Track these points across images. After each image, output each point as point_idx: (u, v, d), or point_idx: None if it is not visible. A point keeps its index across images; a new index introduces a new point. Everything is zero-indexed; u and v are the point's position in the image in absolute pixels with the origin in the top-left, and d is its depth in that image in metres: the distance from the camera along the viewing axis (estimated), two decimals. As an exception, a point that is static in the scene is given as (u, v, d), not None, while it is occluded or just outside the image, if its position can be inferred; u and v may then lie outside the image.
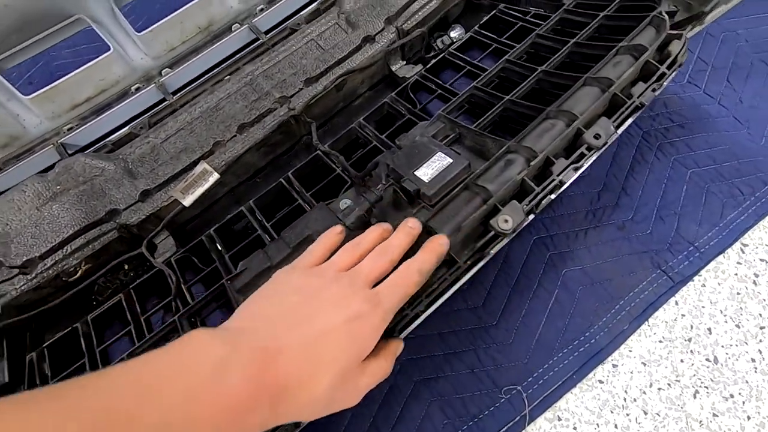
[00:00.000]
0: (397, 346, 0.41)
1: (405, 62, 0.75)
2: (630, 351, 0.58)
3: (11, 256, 0.57)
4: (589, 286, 0.60)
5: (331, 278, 0.38)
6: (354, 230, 0.50)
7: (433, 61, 0.72)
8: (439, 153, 0.54)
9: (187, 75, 0.79)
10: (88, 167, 0.62)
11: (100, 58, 0.71)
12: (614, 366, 0.57)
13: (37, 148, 0.72)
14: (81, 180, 0.62)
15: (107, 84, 0.75)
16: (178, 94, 0.75)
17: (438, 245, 0.42)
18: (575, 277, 0.61)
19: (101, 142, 0.72)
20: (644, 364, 0.57)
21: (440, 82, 0.69)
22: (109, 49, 0.72)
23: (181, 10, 0.75)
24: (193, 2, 0.75)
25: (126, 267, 0.65)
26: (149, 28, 0.73)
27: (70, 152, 0.72)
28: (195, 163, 0.63)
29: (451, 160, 0.53)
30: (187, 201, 0.59)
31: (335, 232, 0.45)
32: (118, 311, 0.58)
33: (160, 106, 0.74)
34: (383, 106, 0.70)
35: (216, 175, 0.60)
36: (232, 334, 0.33)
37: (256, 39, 0.82)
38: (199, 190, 0.60)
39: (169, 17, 0.74)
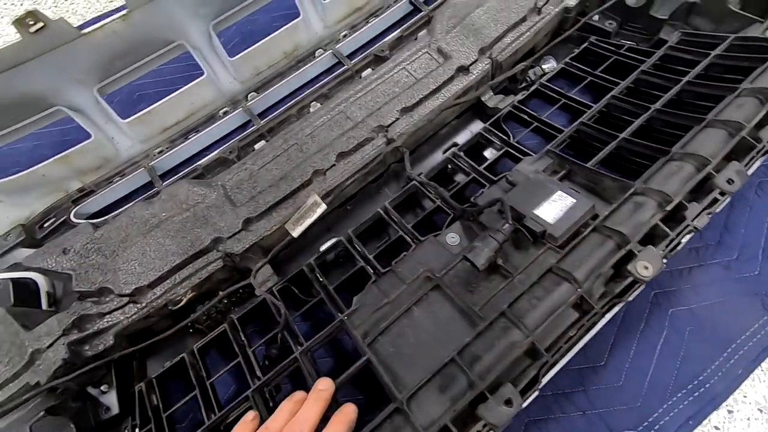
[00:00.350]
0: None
1: (492, 92, 0.75)
2: (745, 396, 0.56)
3: (120, 284, 0.56)
4: (698, 328, 0.59)
5: None
6: (481, 272, 0.50)
7: (527, 92, 0.72)
8: (560, 192, 0.53)
9: (272, 99, 0.80)
10: (191, 194, 0.62)
11: (194, 82, 0.71)
12: (729, 412, 0.56)
13: (128, 170, 0.72)
14: (184, 207, 0.62)
15: (196, 107, 0.75)
16: (265, 119, 0.75)
17: (347, 413, 0.44)
18: (683, 317, 0.60)
19: (191, 166, 0.72)
20: (760, 411, 0.55)
21: (535, 114, 0.69)
22: (203, 74, 0.72)
23: (272, 36, 0.75)
24: (283, 28, 0.76)
25: (220, 293, 0.64)
26: (241, 54, 0.74)
27: (159, 174, 0.72)
28: (294, 192, 0.63)
29: (573, 200, 0.52)
30: (296, 232, 0.59)
31: (248, 419, 0.45)
32: (222, 340, 0.58)
33: (249, 130, 0.74)
34: (476, 137, 0.70)
35: (323, 207, 0.60)
36: None
37: (338, 63, 0.82)
38: (308, 221, 0.59)
39: (260, 43, 0.75)
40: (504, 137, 0.68)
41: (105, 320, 0.54)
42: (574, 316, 0.47)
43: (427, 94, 0.69)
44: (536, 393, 0.45)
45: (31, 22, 0.54)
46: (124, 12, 0.61)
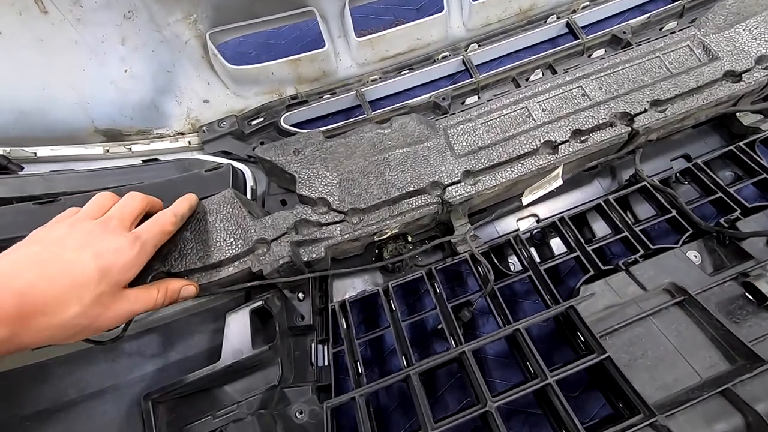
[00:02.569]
0: (177, 284, 0.45)
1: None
2: None
3: (336, 200, 0.55)
4: None
5: (79, 225, 0.41)
6: (755, 305, 0.44)
7: (801, 120, 0.62)
8: None
9: (491, 54, 0.75)
10: (418, 131, 0.60)
11: (431, 17, 0.68)
12: None
13: (339, 90, 0.71)
14: (409, 141, 0.59)
15: (420, 44, 0.72)
16: (484, 74, 0.71)
17: (189, 197, 0.49)
18: None
19: (400, 103, 0.69)
20: None
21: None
22: (442, 10, 0.68)
23: (520, -13, 0.70)
24: (532, -18, 0.70)
25: (410, 238, 0.63)
26: (482, -1, 0.69)
27: (369, 101, 0.71)
28: (521, 157, 0.59)
29: None
30: (527, 200, 0.55)
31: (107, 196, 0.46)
32: (413, 285, 0.56)
33: (465, 81, 0.70)
34: (727, 153, 0.61)
35: (560, 182, 0.55)
36: None
37: (569, 34, 0.76)
38: (540, 193, 0.55)
39: (506, -8, 0.70)
40: (762, 162, 0.59)
41: (322, 231, 0.53)
42: None
43: (684, 91, 0.62)
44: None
45: None
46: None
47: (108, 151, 0.63)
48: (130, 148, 0.64)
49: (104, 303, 0.39)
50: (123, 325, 0.47)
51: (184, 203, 0.48)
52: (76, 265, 0.38)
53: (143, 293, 0.42)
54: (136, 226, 0.44)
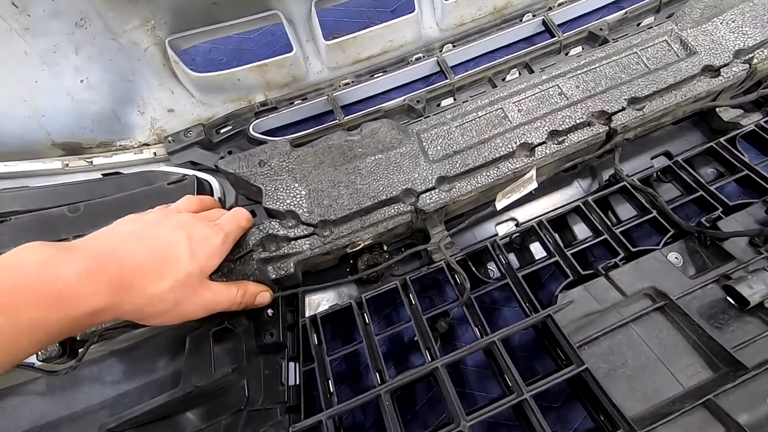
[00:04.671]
0: (256, 288, 0.47)
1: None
2: None
3: (305, 212, 0.53)
4: None
5: (173, 214, 0.45)
6: (736, 309, 0.42)
7: (779, 113, 0.61)
8: None
9: (466, 55, 0.73)
10: (390, 136, 0.57)
11: (402, 18, 0.66)
12: None
13: (310, 95, 0.68)
14: (380, 148, 0.57)
15: (393, 46, 0.70)
16: (458, 76, 0.69)
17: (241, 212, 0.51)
18: None
19: (373, 107, 0.67)
20: None
21: (789, 142, 0.58)
22: (413, 11, 0.66)
23: (492, -15, 0.68)
24: (505, -20, 0.68)
25: (385, 248, 0.61)
26: (454, -2, 0.67)
27: (341, 105, 0.68)
28: (497, 161, 0.57)
29: None
30: (500, 205, 0.53)
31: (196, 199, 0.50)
32: (391, 295, 0.54)
33: (440, 83, 0.68)
34: (708, 150, 0.60)
35: (535, 185, 0.53)
36: (71, 244, 0.37)
37: (545, 33, 0.74)
38: (514, 197, 0.53)
39: (479, -10, 0.68)
40: (742, 157, 0.58)
41: (291, 246, 0.51)
42: None
43: (662, 88, 0.60)
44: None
45: None
46: None
47: (67, 165, 0.60)
48: (91, 162, 0.61)
49: (192, 285, 0.41)
50: (80, 352, 0.44)
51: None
52: (172, 242, 0.40)
53: (225, 288, 0.44)
54: None
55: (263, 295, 0.48)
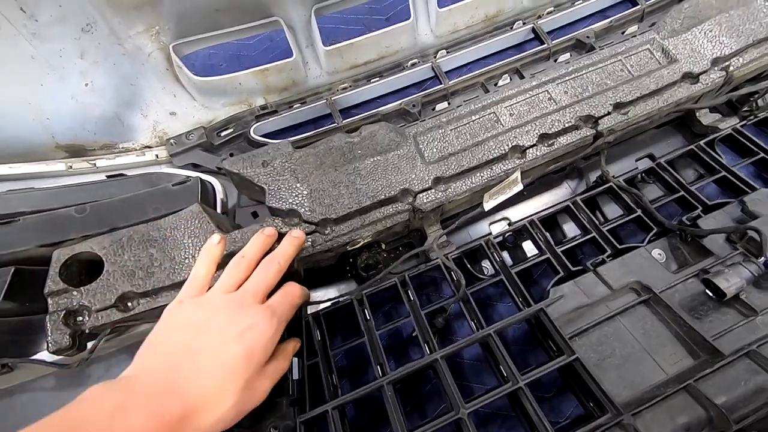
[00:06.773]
0: (295, 346, 0.46)
1: (707, 109, 0.68)
2: None
3: (306, 211, 0.55)
4: None
5: (220, 305, 0.41)
6: (714, 301, 0.45)
7: (755, 118, 0.65)
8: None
9: (459, 61, 0.76)
10: (388, 139, 0.60)
11: (398, 25, 0.68)
12: None
13: (309, 99, 0.70)
14: (379, 149, 0.59)
15: (389, 52, 0.72)
16: (453, 81, 0.72)
17: (298, 237, 0.50)
18: None
19: (371, 111, 0.69)
20: None
21: (763, 145, 0.62)
22: (409, 18, 0.69)
23: (485, -6, 0.71)
24: (498, -11, 0.71)
25: (383, 246, 0.63)
26: (448, 6, 0.70)
27: (339, 109, 0.70)
28: (490, 163, 0.60)
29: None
30: (488, 205, 0.55)
31: (213, 243, 0.46)
32: (391, 293, 0.56)
33: (435, 88, 0.71)
34: (689, 152, 0.63)
35: (520, 186, 0.56)
36: (128, 382, 0.36)
37: (535, 40, 0.77)
38: (501, 198, 0.56)
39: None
40: (720, 159, 0.62)
41: (294, 243, 0.53)
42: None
43: (645, 94, 0.63)
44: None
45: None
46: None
47: (71, 167, 0.61)
48: (95, 164, 0.62)
49: (253, 387, 0.39)
50: (90, 347, 0.45)
51: (292, 248, 0.48)
52: (225, 353, 0.38)
53: (277, 366, 0.42)
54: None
55: (296, 347, 0.47)
